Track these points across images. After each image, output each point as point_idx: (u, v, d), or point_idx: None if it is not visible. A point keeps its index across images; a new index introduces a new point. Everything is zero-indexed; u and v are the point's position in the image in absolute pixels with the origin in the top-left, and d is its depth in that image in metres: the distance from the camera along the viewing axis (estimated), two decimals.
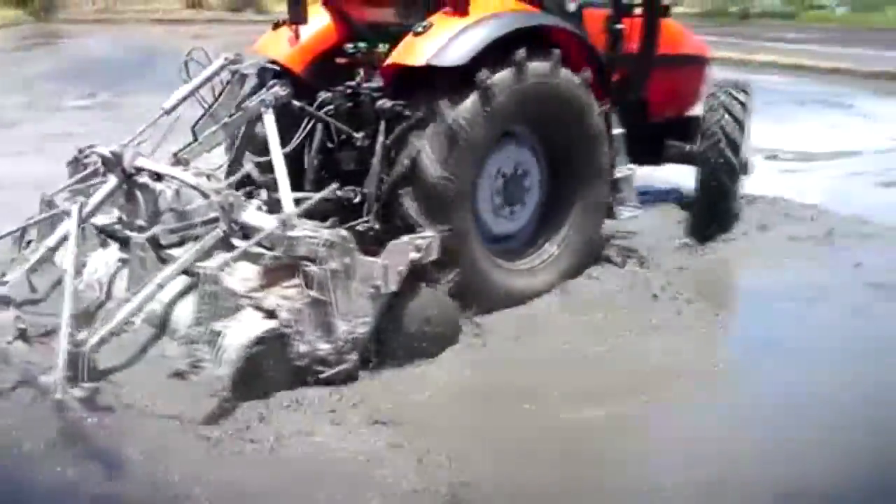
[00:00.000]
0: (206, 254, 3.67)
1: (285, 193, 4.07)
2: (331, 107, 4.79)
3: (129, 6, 49.43)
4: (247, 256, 3.65)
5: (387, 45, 4.85)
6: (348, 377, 3.57)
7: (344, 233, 3.66)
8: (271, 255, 3.61)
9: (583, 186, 5.10)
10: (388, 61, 4.58)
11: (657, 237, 6.09)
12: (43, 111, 11.69)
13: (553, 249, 5.09)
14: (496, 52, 4.41)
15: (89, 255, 3.96)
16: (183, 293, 3.63)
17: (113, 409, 3.16)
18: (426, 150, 4.35)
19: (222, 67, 4.79)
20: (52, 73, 17.18)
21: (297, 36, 5.17)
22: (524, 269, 4.97)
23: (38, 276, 3.90)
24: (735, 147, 5.97)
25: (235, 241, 3.79)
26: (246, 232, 3.81)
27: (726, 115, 5.96)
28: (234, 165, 4.79)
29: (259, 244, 3.71)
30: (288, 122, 4.65)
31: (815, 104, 14.04)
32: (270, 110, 4.49)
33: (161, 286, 3.54)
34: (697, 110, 6.42)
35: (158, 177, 4.09)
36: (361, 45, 5.13)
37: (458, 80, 4.38)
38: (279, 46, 5.24)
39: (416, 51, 4.39)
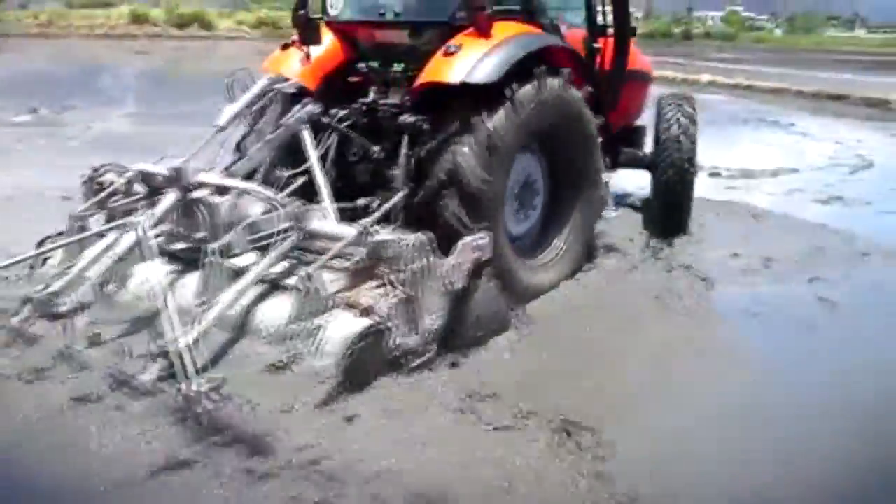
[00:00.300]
0: (279, 260, 4.04)
1: (329, 202, 4.52)
2: (347, 122, 5.15)
3: (72, 20, 48.66)
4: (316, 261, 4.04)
5: (402, 64, 5.27)
6: (427, 366, 4.00)
7: (424, 236, 4.00)
8: (356, 258, 3.99)
9: (582, 188, 5.59)
10: (424, 79, 4.87)
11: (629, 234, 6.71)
12: None
13: (561, 245, 5.58)
14: (514, 70, 4.82)
15: (132, 268, 4.19)
16: (261, 297, 3.96)
17: (230, 399, 3.42)
18: (467, 159, 4.68)
19: (268, 88, 5.06)
20: None
21: (307, 56, 5.41)
22: (539, 265, 5.41)
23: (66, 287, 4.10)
24: (690, 152, 6.56)
25: (306, 247, 4.18)
26: (314, 239, 4.19)
27: (681, 123, 6.55)
28: (269, 178, 5.00)
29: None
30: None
31: (756, 122, 14.42)
32: (308, 126, 4.87)
33: (242, 291, 3.84)
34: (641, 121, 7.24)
35: (222, 191, 4.32)
36: (374, 63, 5.46)
37: (486, 95, 4.74)
38: (290, 65, 5.45)
39: (451, 69, 4.73)
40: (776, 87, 20.61)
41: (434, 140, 4.81)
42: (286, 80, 5.31)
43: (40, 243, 4.67)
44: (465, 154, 4.68)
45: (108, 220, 4.60)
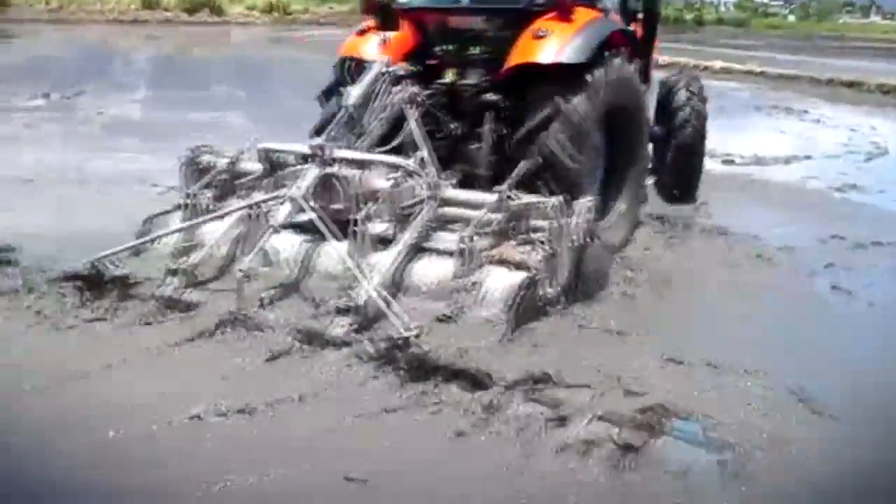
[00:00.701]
0: (422, 226, 4.45)
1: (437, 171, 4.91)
2: (429, 101, 5.47)
3: (84, 6, 48.68)
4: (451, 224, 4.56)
5: (478, 48, 5.69)
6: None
7: (560, 199, 4.48)
8: (497, 219, 4.42)
9: (634, 155, 6.02)
10: (516, 60, 5.31)
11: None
12: None
13: (621, 207, 5.94)
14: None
15: (264, 240, 4.42)
16: (410, 259, 4.37)
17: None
18: (561, 139, 5.17)
19: (383, 70, 5.28)
20: (3, 72, 16.80)
21: (384, 41, 5.72)
22: (608, 226, 5.69)
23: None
24: (703, 127, 7.03)
25: (449, 212, 4.60)
26: (450, 206, 4.62)
27: (694, 102, 6.96)
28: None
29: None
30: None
31: (769, 110, 14.31)
32: (412, 105, 5.21)
33: (401, 253, 4.29)
34: None
35: (361, 164, 4.71)
36: (449, 47, 5.81)
37: (570, 75, 5.19)
38: (367, 49, 5.74)
39: (544, 51, 5.21)
40: (789, 73, 20.46)
41: (524, 119, 5.28)
42: (373, 63, 5.47)
43: (146, 221, 4.93)
44: (559, 134, 5.16)
45: (219, 198, 4.94)
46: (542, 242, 4.37)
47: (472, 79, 5.65)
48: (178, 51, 27.09)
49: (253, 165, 5.10)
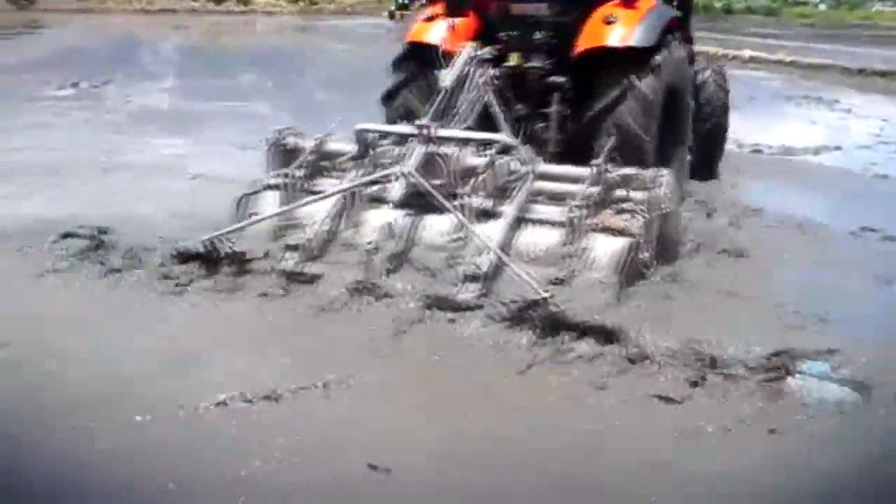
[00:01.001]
0: (524, 198, 4.77)
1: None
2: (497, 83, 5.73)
3: None
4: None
5: (542, 33, 6.05)
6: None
7: (655, 170, 4.86)
8: (597, 191, 4.71)
9: (682, 133, 6.45)
10: (589, 44, 5.73)
11: None
12: (23, 100, 11.53)
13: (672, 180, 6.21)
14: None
15: (361, 215, 4.88)
16: (515, 229, 4.66)
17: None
18: (635, 117, 5.62)
19: (472, 55, 5.52)
20: (33, 62, 16.98)
21: (451, 27, 6.06)
22: None
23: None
24: (726, 110, 7.51)
25: (542, 186, 4.88)
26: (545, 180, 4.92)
27: (718, 92, 7.40)
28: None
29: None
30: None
31: (799, 99, 14.11)
32: (492, 87, 5.52)
33: (509, 224, 4.62)
34: None
35: (465, 142, 5.02)
36: (513, 33, 6.13)
37: (637, 58, 5.63)
38: (436, 35, 6.07)
39: (615, 35, 5.65)
40: (820, 62, 20.14)
41: (593, 99, 5.74)
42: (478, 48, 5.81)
43: (240, 200, 5.10)
44: (632, 110, 5.61)
45: (308, 178, 5.14)
46: (640, 211, 4.70)
47: (536, 62, 6.03)
48: (205, 40, 27.24)
49: (340, 146, 5.32)
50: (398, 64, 6.34)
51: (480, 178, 4.80)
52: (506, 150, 5.01)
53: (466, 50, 5.54)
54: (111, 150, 8.19)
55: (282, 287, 4.51)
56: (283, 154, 5.34)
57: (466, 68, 5.45)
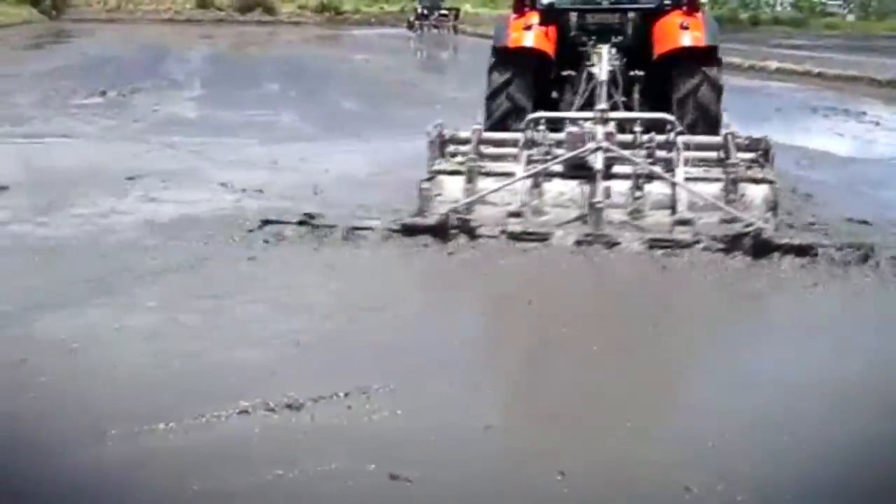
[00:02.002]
0: (682, 163, 5.87)
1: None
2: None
3: (140, 5, 49.68)
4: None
5: (615, 37, 7.06)
6: None
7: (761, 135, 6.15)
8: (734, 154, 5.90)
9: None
10: (671, 45, 6.99)
11: None
12: (52, 109, 11.71)
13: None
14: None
15: (546, 184, 5.88)
16: (673, 187, 5.76)
17: None
18: (711, 100, 6.93)
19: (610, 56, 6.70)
20: (63, 71, 17.24)
21: (548, 34, 7.15)
22: None
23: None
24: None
25: (685, 156, 5.93)
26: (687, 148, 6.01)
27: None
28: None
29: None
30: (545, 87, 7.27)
31: (826, 111, 13.97)
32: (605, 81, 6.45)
33: (675, 183, 5.74)
34: None
35: (632, 122, 6.21)
36: (591, 38, 7.11)
37: (705, 55, 6.99)
38: (531, 40, 7.10)
39: (693, 37, 6.94)
40: (848, 74, 19.93)
41: (671, 88, 6.96)
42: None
43: (420, 186, 5.85)
44: (709, 93, 6.92)
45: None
46: (763, 163, 5.94)
47: (614, 62, 6.89)
48: (231, 50, 27.51)
49: (496, 135, 6.40)
50: (500, 65, 7.12)
51: (635, 149, 5.93)
52: (662, 126, 6.09)
53: (606, 49, 6.70)
54: (135, 158, 8.27)
55: (509, 254, 5.37)
56: (442, 144, 6.17)
57: (609, 63, 6.55)
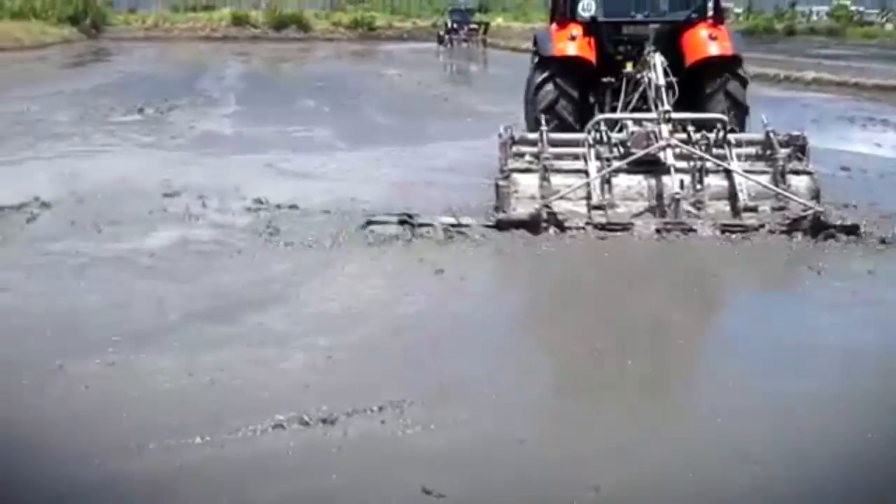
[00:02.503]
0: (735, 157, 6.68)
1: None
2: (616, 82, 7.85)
3: (177, 23, 50.49)
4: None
5: (653, 47, 7.48)
6: None
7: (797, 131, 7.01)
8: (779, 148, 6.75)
9: None
10: (703, 54, 7.78)
11: None
12: (92, 126, 11.93)
13: None
14: None
15: (614, 178, 6.55)
16: (730, 178, 6.58)
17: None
18: (741, 94, 7.87)
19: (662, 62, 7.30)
20: (102, 88, 17.57)
21: (590, 43, 7.91)
22: None
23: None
24: None
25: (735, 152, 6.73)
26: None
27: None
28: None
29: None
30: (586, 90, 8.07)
31: (864, 121, 13.77)
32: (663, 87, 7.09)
33: (731, 174, 6.55)
34: None
35: (690, 121, 6.93)
36: (625, 48, 8.02)
37: (731, 62, 7.90)
38: (574, 48, 7.86)
39: (721, 47, 7.82)
40: (886, 84, 19.63)
41: (701, 88, 7.78)
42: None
43: (506, 177, 6.51)
44: (739, 88, 7.87)
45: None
46: (800, 156, 6.72)
47: (647, 69, 7.36)
48: (266, 66, 27.83)
49: (561, 135, 7.02)
50: (547, 70, 7.86)
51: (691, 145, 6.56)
52: (711, 125, 6.80)
53: (658, 57, 7.14)
54: (171, 175, 8.39)
55: (598, 243, 6.13)
56: (512, 144, 6.73)
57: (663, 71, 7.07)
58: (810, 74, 21.68)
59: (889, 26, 67.30)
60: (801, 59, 30.02)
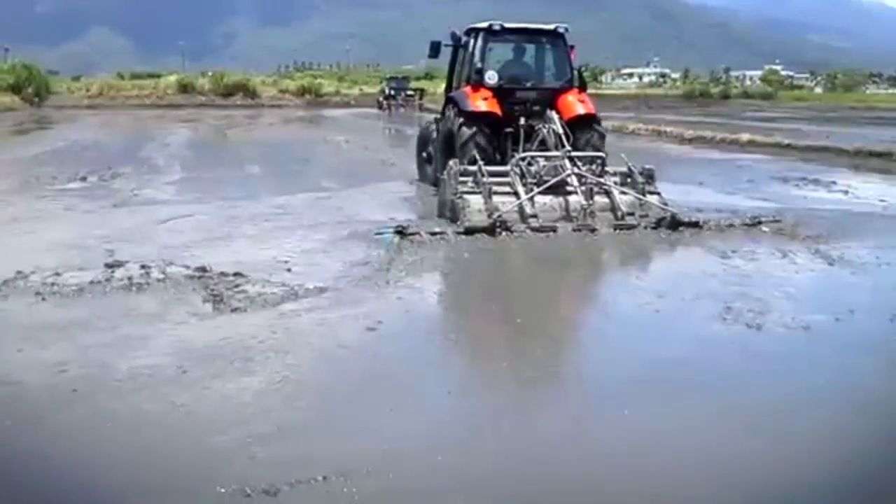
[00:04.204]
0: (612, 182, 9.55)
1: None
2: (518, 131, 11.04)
3: (122, 91, 50.27)
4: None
5: (533, 106, 11.08)
6: None
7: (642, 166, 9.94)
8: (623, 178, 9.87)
9: None
10: (576, 111, 10.99)
11: None
12: (32, 194, 11.71)
13: None
14: None
15: (536, 198, 9.13)
16: (610, 196, 9.36)
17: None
18: (599, 142, 10.98)
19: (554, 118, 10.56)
20: (44, 157, 17.34)
21: (497, 103, 10.96)
22: None
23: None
24: None
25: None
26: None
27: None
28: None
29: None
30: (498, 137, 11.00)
31: (796, 181, 14.25)
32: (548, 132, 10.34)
33: (611, 193, 9.32)
34: None
35: (581, 158, 9.80)
36: (518, 106, 11.09)
37: (594, 118, 11.19)
38: (486, 106, 10.88)
39: (588, 106, 11.12)
40: (817, 144, 20.43)
41: (580, 138, 10.66)
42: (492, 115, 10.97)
43: (459, 197, 9.03)
44: (596, 137, 11.02)
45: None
46: (651, 183, 9.68)
47: (534, 120, 10.80)
48: (212, 133, 27.80)
49: (497, 168, 9.60)
50: (469, 121, 10.73)
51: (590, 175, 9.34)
52: (593, 161, 9.74)
53: (556, 114, 10.44)
54: (112, 232, 8.26)
55: (536, 238, 8.62)
56: (460, 175, 9.23)
57: (560, 124, 10.26)
58: (745, 136, 22.45)
59: (818, 90, 70.14)
60: (737, 121, 31.10)
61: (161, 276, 6.79)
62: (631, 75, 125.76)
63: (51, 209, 10.45)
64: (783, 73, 79.31)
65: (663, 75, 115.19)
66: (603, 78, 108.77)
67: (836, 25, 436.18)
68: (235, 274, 6.76)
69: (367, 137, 24.14)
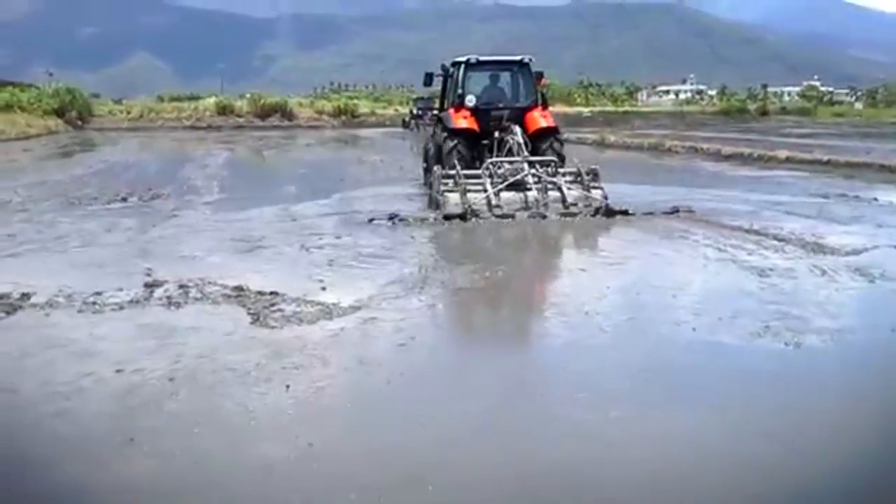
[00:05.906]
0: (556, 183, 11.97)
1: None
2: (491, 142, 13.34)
3: (162, 113, 51.20)
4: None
5: (510, 122, 13.06)
6: None
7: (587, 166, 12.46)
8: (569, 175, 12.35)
9: None
10: (539, 125, 13.32)
11: None
12: (74, 215, 11.96)
13: None
14: None
15: (502, 193, 11.60)
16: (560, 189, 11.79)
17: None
18: (559, 148, 13.20)
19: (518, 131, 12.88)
20: (85, 178, 17.70)
21: (474, 120, 13.33)
22: None
23: None
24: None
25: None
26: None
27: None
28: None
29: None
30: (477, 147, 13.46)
31: (836, 198, 14.02)
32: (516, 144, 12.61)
33: (561, 189, 11.79)
34: None
35: (540, 162, 12.28)
36: (493, 122, 13.26)
37: (555, 131, 13.51)
38: (466, 123, 13.24)
39: (549, 121, 13.50)
40: (857, 160, 20.10)
41: (538, 144, 13.00)
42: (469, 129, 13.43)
43: (441, 194, 11.70)
44: (557, 144, 13.22)
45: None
46: (595, 180, 12.17)
47: (505, 133, 12.97)
48: (250, 154, 28.17)
49: (471, 172, 12.16)
50: (452, 136, 13.14)
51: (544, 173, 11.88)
52: (548, 164, 12.15)
53: (518, 128, 12.74)
54: (148, 255, 8.40)
55: (498, 222, 11.11)
56: (442, 178, 11.99)
57: (521, 135, 12.63)
58: (784, 153, 22.18)
59: (858, 105, 69.03)
60: (775, 138, 30.75)
61: (199, 295, 6.90)
62: (667, 92, 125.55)
63: (91, 228, 10.66)
64: (822, 88, 78.23)
65: (699, 92, 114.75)
66: (638, 95, 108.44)
67: (876, 39, 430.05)
68: (272, 293, 6.85)
69: (402, 156, 24.28)
